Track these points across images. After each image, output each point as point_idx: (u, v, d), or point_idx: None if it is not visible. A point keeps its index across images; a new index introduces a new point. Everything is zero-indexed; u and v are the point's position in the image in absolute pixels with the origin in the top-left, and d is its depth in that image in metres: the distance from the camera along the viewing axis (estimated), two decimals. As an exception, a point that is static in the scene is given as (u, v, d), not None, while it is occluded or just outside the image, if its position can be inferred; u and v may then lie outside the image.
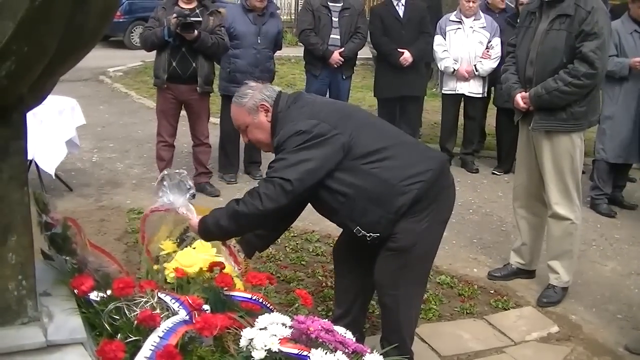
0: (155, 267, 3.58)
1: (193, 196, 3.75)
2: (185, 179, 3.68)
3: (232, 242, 3.79)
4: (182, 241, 3.73)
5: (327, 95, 8.60)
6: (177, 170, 3.75)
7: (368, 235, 3.71)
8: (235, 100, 3.83)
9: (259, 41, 7.70)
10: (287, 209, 3.65)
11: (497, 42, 8.42)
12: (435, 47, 8.65)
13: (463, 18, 8.55)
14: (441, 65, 8.69)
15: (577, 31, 4.94)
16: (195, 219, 3.65)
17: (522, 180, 5.53)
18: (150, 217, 3.81)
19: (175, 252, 3.63)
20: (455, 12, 8.74)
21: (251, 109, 3.75)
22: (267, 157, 7.92)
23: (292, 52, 15.70)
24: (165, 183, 3.67)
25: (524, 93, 5.20)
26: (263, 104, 3.74)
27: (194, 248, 3.63)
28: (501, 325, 4.98)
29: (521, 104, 5.21)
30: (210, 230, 3.59)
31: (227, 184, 7.89)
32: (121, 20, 19.12)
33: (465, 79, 8.55)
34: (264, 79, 7.47)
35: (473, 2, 8.46)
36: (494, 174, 8.82)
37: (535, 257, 5.67)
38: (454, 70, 8.53)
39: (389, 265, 3.80)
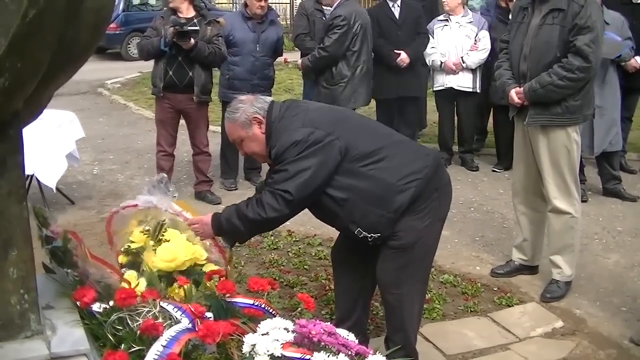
0: (122, 258, 3.59)
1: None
2: (167, 183, 3.72)
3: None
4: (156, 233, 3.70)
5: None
6: (157, 177, 3.79)
7: (369, 236, 3.73)
8: (228, 116, 3.88)
9: (257, 49, 7.72)
10: (292, 216, 3.75)
11: (484, 34, 8.47)
12: (422, 46, 8.71)
13: (450, 16, 8.60)
14: (429, 60, 8.70)
15: (570, 25, 4.95)
16: (185, 216, 3.75)
17: (520, 176, 5.54)
18: (119, 214, 3.82)
19: (147, 244, 3.62)
20: (443, 14, 8.79)
21: (244, 123, 3.79)
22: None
23: (290, 57, 15.70)
24: (146, 187, 3.70)
25: (518, 88, 5.20)
26: (255, 117, 3.78)
27: (168, 240, 3.63)
28: (505, 322, 4.99)
29: (515, 99, 5.21)
30: (222, 225, 3.71)
31: (227, 191, 7.91)
32: (118, 32, 19.15)
33: (454, 72, 8.56)
34: (262, 87, 7.56)
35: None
36: (494, 171, 8.83)
37: (537, 253, 5.67)
38: (441, 63, 8.55)
39: (391, 264, 3.84)
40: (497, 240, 6.57)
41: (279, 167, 3.64)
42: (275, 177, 3.65)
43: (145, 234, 3.63)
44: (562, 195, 5.21)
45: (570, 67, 4.93)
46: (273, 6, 21.82)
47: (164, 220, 3.69)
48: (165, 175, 3.84)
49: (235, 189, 7.99)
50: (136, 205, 3.71)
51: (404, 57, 8.42)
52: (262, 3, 7.63)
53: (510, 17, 7.88)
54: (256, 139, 3.80)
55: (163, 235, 3.62)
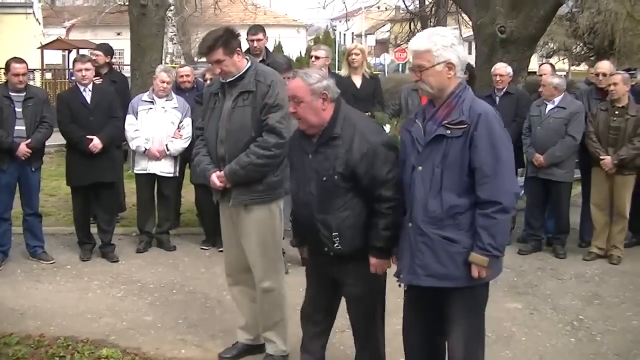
0: None
1: None
2: None
3: None
4: None
5: (17, 189, 8.18)
6: None
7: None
8: (303, 77, 4.45)
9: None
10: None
11: (188, 122, 8.57)
12: (126, 127, 8.54)
13: (155, 98, 8.58)
14: (133, 144, 8.58)
15: (261, 105, 5.06)
16: None
17: (231, 257, 5.54)
18: None
19: None
20: (147, 93, 8.73)
21: (314, 91, 4.41)
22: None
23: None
24: None
25: (219, 172, 5.19)
26: (325, 93, 4.43)
27: None
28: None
29: (217, 183, 5.19)
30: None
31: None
32: None
33: (157, 159, 8.56)
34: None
35: (167, 83, 8.56)
36: (202, 249, 8.85)
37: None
38: (145, 149, 8.50)
39: None
40: (200, 321, 6.46)
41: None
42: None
43: None
44: (268, 275, 5.29)
45: (266, 145, 5.04)
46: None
47: None
48: None
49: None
50: None
51: (96, 143, 8.13)
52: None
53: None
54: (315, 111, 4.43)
55: None
